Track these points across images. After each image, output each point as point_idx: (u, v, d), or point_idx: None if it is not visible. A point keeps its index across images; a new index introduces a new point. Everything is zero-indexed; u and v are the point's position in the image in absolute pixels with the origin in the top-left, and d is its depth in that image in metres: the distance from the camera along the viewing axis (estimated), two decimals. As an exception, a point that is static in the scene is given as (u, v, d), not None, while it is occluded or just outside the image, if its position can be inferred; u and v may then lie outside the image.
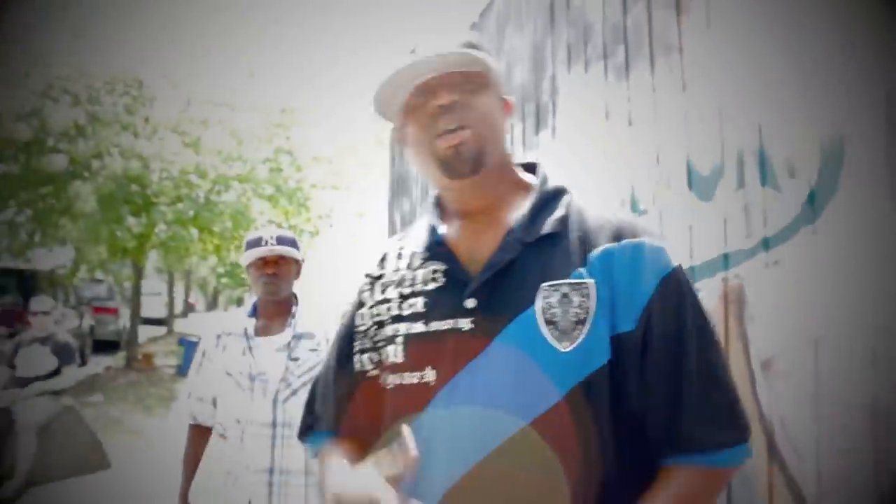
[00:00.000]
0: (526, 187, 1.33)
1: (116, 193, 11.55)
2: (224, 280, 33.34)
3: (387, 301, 1.33)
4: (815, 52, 1.82)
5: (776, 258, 1.93)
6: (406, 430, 1.12)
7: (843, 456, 1.70)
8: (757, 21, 2.03)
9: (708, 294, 2.18)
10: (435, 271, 1.28)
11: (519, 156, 4.04)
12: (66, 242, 12.93)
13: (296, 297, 2.82)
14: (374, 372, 1.33)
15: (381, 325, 1.32)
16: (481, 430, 1.15)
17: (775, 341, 1.93)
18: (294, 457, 2.58)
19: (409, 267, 1.33)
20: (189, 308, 37.06)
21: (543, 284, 1.17)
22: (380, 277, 1.38)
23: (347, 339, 1.40)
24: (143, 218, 12.00)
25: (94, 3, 12.30)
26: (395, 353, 1.28)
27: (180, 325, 25.43)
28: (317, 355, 2.66)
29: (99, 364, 14.21)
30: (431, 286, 1.27)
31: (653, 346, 1.17)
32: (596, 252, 1.21)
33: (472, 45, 1.29)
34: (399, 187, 7.95)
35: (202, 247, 13.32)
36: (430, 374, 1.21)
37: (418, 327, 1.25)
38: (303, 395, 2.79)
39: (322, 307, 3.05)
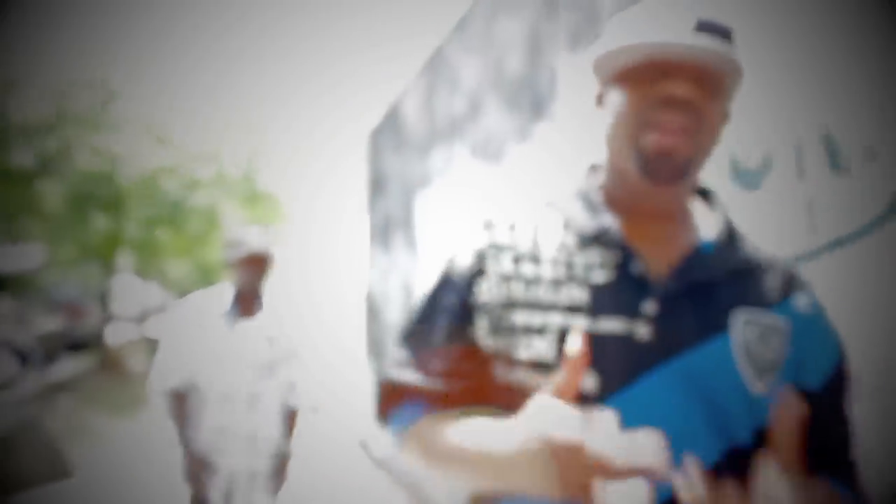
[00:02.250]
0: (691, 209, 1.17)
1: (85, 192, 11.29)
2: (197, 280, 33.01)
3: (525, 280, 1.11)
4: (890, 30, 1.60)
5: (846, 261, 1.72)
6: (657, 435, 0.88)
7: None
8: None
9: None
10: (602, 262, 1.09)
11: (515, 146, 3.89)
12: (33, 241, 12.64)
13: (261, 289, 3.24)
14: (504, 365, 1.10)
15: (514, 306, 1.10)
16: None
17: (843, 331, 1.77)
18: (268, 423, 3.10)
19: (560, 248, 1.12)
20: (163, 309, 36.61)
21: (743, 315, 1.03)
22: (509, 248, 1.15)
23: (458, 313, 1.15)
24: (112, 217, 11.74)
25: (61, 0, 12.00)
26: (546, 349, 1.06)
27: (152, 326, 25.06)
28: (291, 338, 3.20)
29: (70, 365, 13.92)
30: (597, 278, 1.08)
31: (832, 409, 1.08)
32: (795, 297, 1.10)
33: (727, 33, 1.07)
34: (377, 187, 7.81)
35: (173, 248, 13.06)
36: (587, 382, 1.02)
37: (579, 322, 1.06)
38: (278, 373, 3.12)
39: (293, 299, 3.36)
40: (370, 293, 7.88)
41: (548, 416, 0.88)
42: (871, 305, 1.65)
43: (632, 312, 1.04)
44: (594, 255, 1.10)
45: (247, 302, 3.20)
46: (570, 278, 1.09)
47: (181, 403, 3.18)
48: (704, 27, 1.05)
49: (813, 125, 1.82)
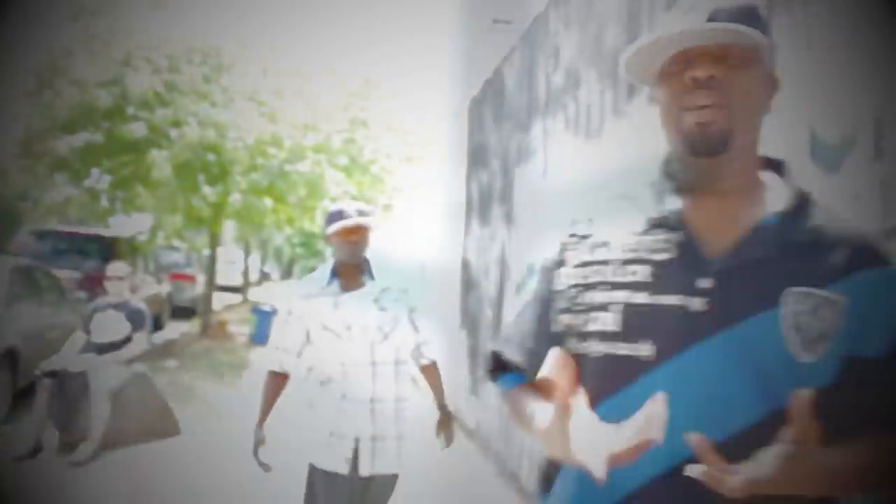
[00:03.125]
0: (763, 181, 1.26)
1: (193, 162, 11.63)
2: (299, 250, 33.76)
3: (598, 263, 1.27)
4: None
5: None
6: (662, 397, 1.02)
7: None
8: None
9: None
10: (666, 241, 1.23)
11: (609, 123, 3.77)
12: (144, 210, 13.12)
13: (367, 260, 3.30)
14: (573, 338, 1.27)
15: (587, 287, 1.27)
16: (701, 421, 1.06)
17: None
18: (388, 387, 3.17)
19: (633, 232, 1.28)
20: (264, 277, 37.73)
21: (793, 289, 1.09)
22: (587, 237, 1.33)
23: (546, 299, 1.36)
24: (218, 187, 12.06)
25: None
26: (612, 321, 1.21)
27: (255, 294, 25.86)
28: (399, 305, 3.25)
29: (175, 330, 14.48)
30: (660, 256, 1.22)
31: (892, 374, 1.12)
32: (855, 271, 1.13)
33: (749, 11, 1.22)
34: (477, 159, 7.76)
35: (276, 217, 13.35)
36: (645, 349, 1.17)
37: (640, 297, 1.20)
38: (393, 338, 3.17)
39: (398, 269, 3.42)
40: (466, 265, 7.85)
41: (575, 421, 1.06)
42: None
43: (688, 288, 1.16)
44: (658, 237, 1.24)
45: (350, 275, 3.25)
46: (635, 260, 1.23)
47: (276, 385, 3.34)
48: (718, 15, 1.18)
49: (893, 107, 1.74)
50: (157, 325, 12.32)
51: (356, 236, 3.21)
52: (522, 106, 5.70)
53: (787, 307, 1.09)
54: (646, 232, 1.26)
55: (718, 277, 1.16)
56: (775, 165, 1.29)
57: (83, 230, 14.02)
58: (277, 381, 3.35)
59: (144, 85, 11.26)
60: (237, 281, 25.86)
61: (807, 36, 2.08)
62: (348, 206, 3.31)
